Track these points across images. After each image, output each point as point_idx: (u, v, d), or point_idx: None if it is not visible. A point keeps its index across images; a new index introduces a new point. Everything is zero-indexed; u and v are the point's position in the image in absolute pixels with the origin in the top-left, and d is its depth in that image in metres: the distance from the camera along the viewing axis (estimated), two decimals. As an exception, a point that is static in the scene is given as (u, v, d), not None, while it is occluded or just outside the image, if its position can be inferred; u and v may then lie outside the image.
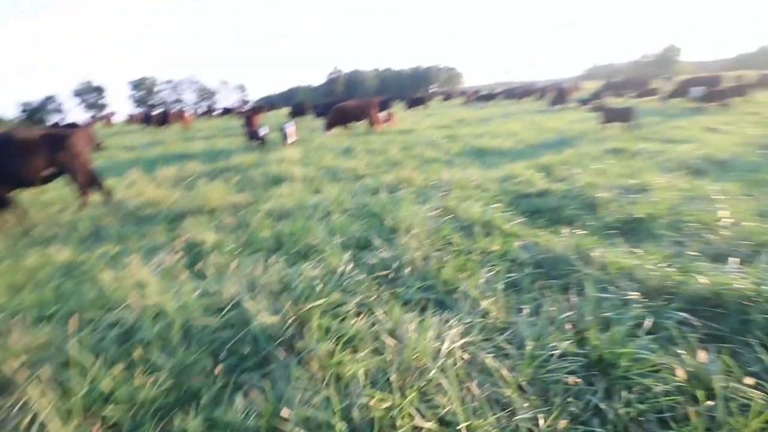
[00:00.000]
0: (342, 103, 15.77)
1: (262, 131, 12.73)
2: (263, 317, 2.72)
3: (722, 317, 2.50)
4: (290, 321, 2.70)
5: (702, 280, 2.74)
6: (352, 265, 3.45)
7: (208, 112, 48.04)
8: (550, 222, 4.41)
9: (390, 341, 2.42)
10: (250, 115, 15.94)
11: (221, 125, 28.54)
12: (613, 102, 21.47)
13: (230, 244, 4.27)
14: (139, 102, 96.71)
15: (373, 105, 15.22)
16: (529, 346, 2.31)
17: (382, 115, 16.47)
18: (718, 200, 4.50)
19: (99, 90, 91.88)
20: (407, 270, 3.37)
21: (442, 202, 5.11)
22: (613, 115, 10.67)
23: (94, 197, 6.76)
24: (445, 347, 2.32)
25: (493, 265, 3.38)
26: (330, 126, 14.76)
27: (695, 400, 1.90)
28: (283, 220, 4.93)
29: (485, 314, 2.71)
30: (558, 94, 23.50)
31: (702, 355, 2.07)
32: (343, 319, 2.74)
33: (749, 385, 1.89)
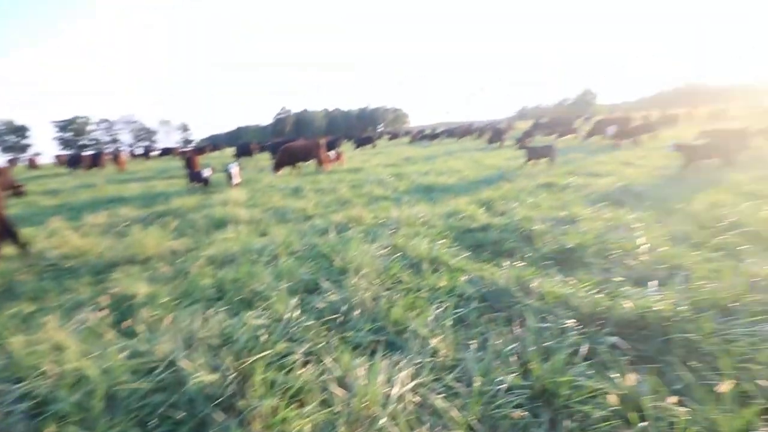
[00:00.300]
0: (290, 143, 15.81)
1: (205, 172, 12.31)
2: (201, 376, 2.51)
3: (647, 338, 2.71)
4: (231, 377, 2.51)
5: (627, 304, 2.98)
6: (299, 312, 3.33)
7: (146, 153, 45.67)
8: (493, 255, 4.61)
9: (338, 391, 2.33)
10: (191, 155, 15.39)
11: (160, 167, 27.22)
12: (542, 140, 23.58)
13: (165, 295, 3.96)
14: (68, 143, 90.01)
15: (322, 145, 15.42)
16: (477, 382, 2.33)
17: (330, 154, 16.69)
18: (636, 228, 5.00)
19: (21, 130, 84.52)
20: (357, 312, 3.32)
21: (391, 240, 5.18)
22: (536, 153, 11.73)
23: (8, 249, 6.02)
24: (395, 392, 2.28)
25: (441, 302, 3.43)
26: (278, 166, 14.65)
27: (629, 423, 2.01)
28: (226, 267, 4.69)
29: (435, 353, 2.72)
30: (495, 134, 25.40)
31: (631, 378, 2.22)
32: (289, 371, 2.60)
33: (674, 404, 2.04)
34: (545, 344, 2.66)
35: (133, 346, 2.96)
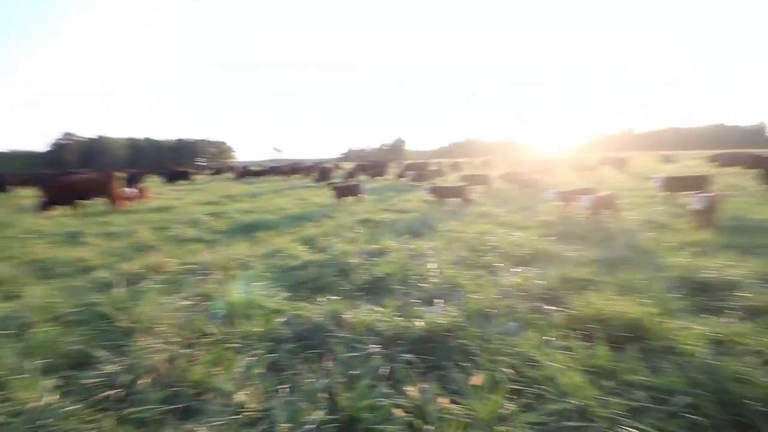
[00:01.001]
0: (69, 175, 12.65)
1: None
2: None
3: (433, 350, 3.17)
4: None
5: (419, 323, 3.44)
6: (57, 396, 2.56)
7: None
8: (312, 292, 4.67)
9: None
10: None
11: None
12: (360, 180, 26.02)
13: None
14: None
15: (115, 178, 12.89)
16: (284, 430, 2.24)
17: (129, 190, 14.13)
18: (430, 255, 5.93)
19: None
20: (145, 381, 2.77)
21: (200, 288, 4.64)
22: (344, 192, 12.95)
23: None
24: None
25: (253, 349, 3.22)
26: (47, 205, 11.44)
27: (417, 429, 2.27)
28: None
29: (239, 408, 2.49)
30: (322, 173, 26.62)
31: (419, 388, 2.54)
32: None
33: (447, 403, 2.42)
34: (352, 373, 2.79)
35: None
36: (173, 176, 28.74)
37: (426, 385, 2.65)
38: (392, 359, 3.00)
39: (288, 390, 2.68)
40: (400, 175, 24.23)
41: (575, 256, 5.61)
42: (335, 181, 19.48)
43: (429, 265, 5.28)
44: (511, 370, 2.78)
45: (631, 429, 2.24)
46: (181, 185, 26.53)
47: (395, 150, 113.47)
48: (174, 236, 8.15)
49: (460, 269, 5.20)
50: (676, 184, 11.12)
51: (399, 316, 3.69)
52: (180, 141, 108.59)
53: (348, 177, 25.29)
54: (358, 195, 12.89)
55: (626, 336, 3.25)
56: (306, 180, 27.99)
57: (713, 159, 25.55)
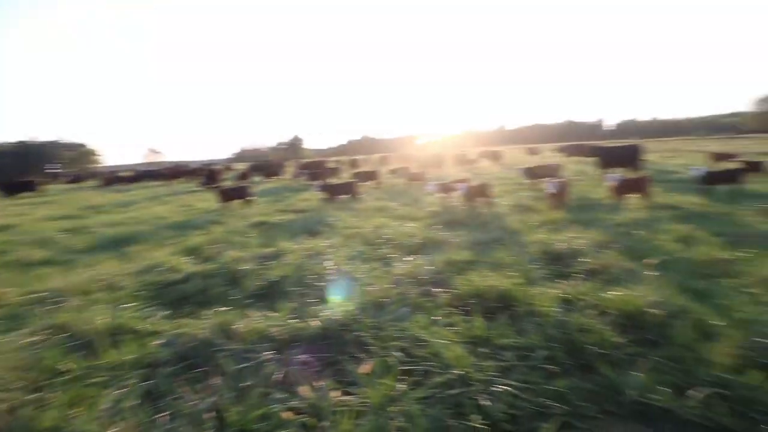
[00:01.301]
0: None
1: None
2: None
3: (330, 346, 3.19)
4: None
5: (314, 322, 3.42)
6: None
7: None
8: (198, 306, 4.28)
9: None
10: None
11: None
12: (255, 181, 24.72)
13: None
14: None
15: None
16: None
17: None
18: (328, 253, 5.92)
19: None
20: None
21: (50, 319, 3.88)
22: (230, 194, 12.20)
23: None
24: None
25: (124, 380, 2.82)
26: None
27: (312, 428, 2.26)
28: None
29: (106, 450, 2.17)
30: (209, 175, 24.44)
31: (313, 387, 2.53)
32: None
33: (340, 396, 2.46)
34: (243, 385, 2.65)
35: None
36: (13, 188, 23.43)
37: (321, 383, 2.66)
38: (287, 363, 2.93)
39: (168, 418, 2.42)
40: (297, 175, 23.65)
41: (458, 241, 6.19)
42: (224, 184, 18.13)
43: (326, 263, 5.27)
44: (401, 353, 2.94)
45: (502, 386, 2.56)
46: (26, 198, 21.80)
47: (293, 149, 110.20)
48: (15, 261, 6.67)
49: (357, 263, 5.30)
50: (536, 173, 13.00)
51: (295, 318, 3.62)
52: (22, 144, 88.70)
53: (240, 178, 23.75)
54: (247, 198, 12.18)
55: (498, 306, 3.71)
56: (191, 184, 25.42)
57: (562, 150, 30.54)
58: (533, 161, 21.02)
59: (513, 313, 3.58)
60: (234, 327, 3.48)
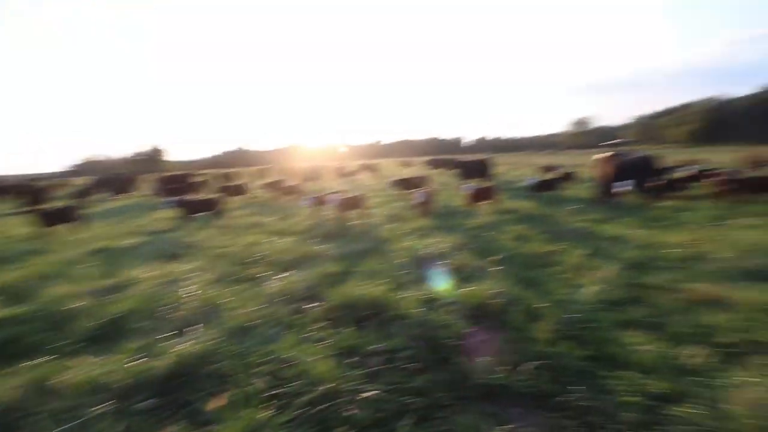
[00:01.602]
0: None
1: None
2: None
3: (182, 386, 2.81)
4: None
5: (165, 360, 2.99)
6: None
7: None
8: (5, 361, 3.33)
9: None
10: None
11: None
12: (101, 198, 20.98)
13: None
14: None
15: None
16: None
17: None
18: (188, 278, 5.28)
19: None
20: None
21: None
22: (53, 218, 10.14)
23: None
24: None
25: None
26: None
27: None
28: None
29: None
30: (36, 193, 19.69)
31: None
32: None
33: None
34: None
35: None
36: None
37: (173, 428, 2.32)
38: (128, 413, 2.48)
39: None
40: (156, 191, 20.76)
41: (332, 253, 6.22)
42: (50, 204, 14.82)
43: (184, 290, 4.70)
44: (268, 377, 2.78)
45: (369, 392, 2.62)
46: None
47: (151, 161, 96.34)
48: None
49: (222, 286, 4.86)
50: (404, 184, 14.04)
51: (142, 358, 3.11)
52: None
53: (79, 196, 19.74)
54: (74, 221, 10.17)
55: (369, 313, 3.82)
56: (7, 205, 20.03)
57: (428, 163, 33.81)
58: (406, 173, 22.69)
59: (382, 318, 3.73)
60: (54, 381, 2.80)
